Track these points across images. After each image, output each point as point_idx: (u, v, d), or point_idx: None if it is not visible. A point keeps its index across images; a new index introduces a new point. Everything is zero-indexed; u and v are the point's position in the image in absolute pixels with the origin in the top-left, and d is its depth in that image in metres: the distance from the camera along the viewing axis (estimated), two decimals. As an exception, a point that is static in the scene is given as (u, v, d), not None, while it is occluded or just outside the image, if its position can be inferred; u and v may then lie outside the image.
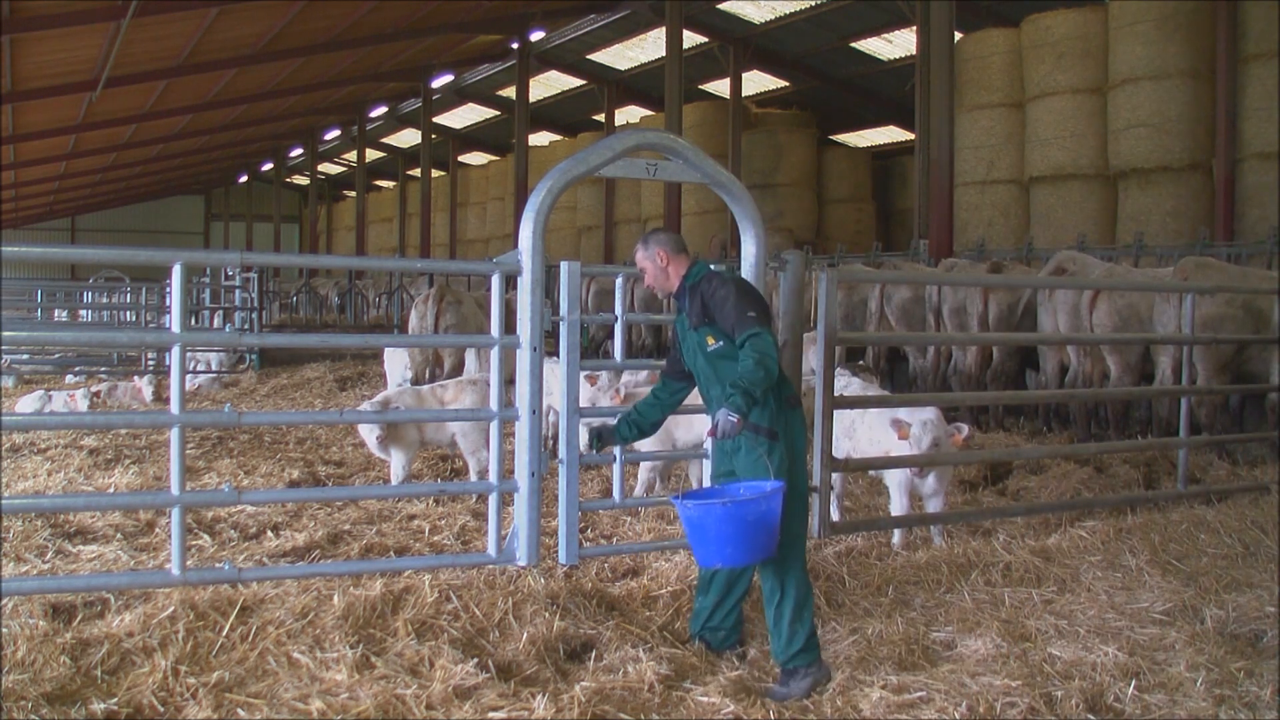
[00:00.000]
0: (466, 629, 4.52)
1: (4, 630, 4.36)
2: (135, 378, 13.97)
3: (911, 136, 22.85)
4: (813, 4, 24.41)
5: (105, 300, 20.60)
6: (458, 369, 11.44)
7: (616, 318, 5.62)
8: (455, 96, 35.94)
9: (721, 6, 25.23)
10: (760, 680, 4.31)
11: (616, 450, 5.33)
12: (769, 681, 4.31)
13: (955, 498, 7.73)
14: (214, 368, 15.89)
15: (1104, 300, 10.01)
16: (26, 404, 12.33)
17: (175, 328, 4.65)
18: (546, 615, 4.65)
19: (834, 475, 6.33)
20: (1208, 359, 9.06)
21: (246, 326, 16.79)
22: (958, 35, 18.75)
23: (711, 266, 4.64)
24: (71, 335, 13.55)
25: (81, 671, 4.08)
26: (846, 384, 7.16)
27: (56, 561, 5.84)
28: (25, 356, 15.95)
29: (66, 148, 29.84)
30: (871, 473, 7.46)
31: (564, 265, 5.07)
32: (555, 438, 8.71)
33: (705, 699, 4.05)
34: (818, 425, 5.90)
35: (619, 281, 5.96)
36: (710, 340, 4.41)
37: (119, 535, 6.37)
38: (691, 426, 6.94)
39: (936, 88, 16.69)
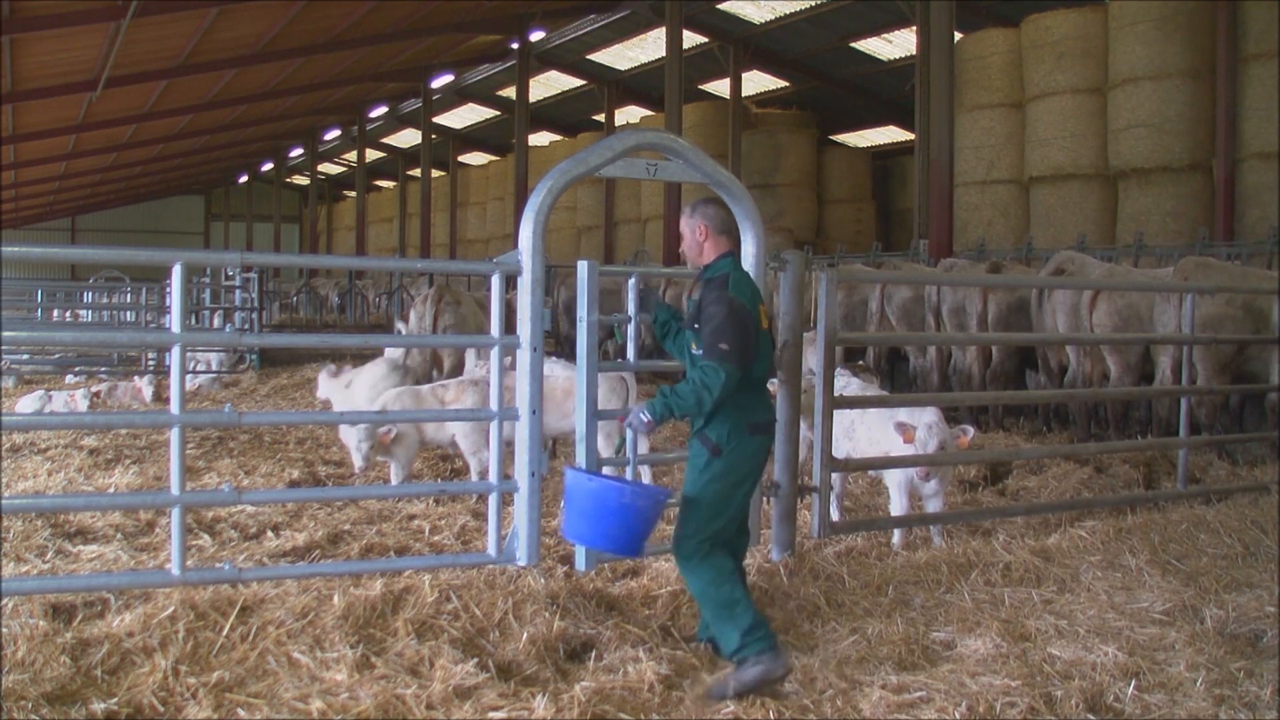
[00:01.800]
0: (466, 629, 4.52)
1: (4, 630, 4.36)
2: (135, 378, 13.96)
3: (911, 136, 22.87)
4: (813, 4, 24.43)
5: (105, 300, 20.60)
6: (457, 369, 11.43)
7: (630, 318, 5.61)
8: (455, 96, 35.96)
9: (721, 6, 25.24)
10: (760, 680, 4.30)
11: (630, 453, 5.34)
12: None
13: (955, 498, 7.73)
14: (214, 368, 15.88)
15: (1104, 300, 10.01)
16: (26, 404, 12.32)
17: (175, 328, 4.66)
18: (546, 615, 4.65)
19: (834, 475, 6.34)
20: (1208, 359, 9.06)
21: (246, 326, 16.78)
22: (958, 35, 18.77)
23: (733, 268, 4.51)
24: (71, 335, 13.54)
25: (81, 671, 4.08)
26: (846, 384, 7.15)
27: (56, 561, 5.84)
28: (25, 356, 15.94)
29: (66, 148, 29.86)
30: (871, 473, 7.46)
31: (582, 265, 5.03)
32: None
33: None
34: (818, 425, 5.90)
35: (631, 282, 5.89)
36: (694, 346, 4.47)
37: (119, 535, 6.36)
38: None
39: (936, 88, 16.70)
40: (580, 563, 5.07)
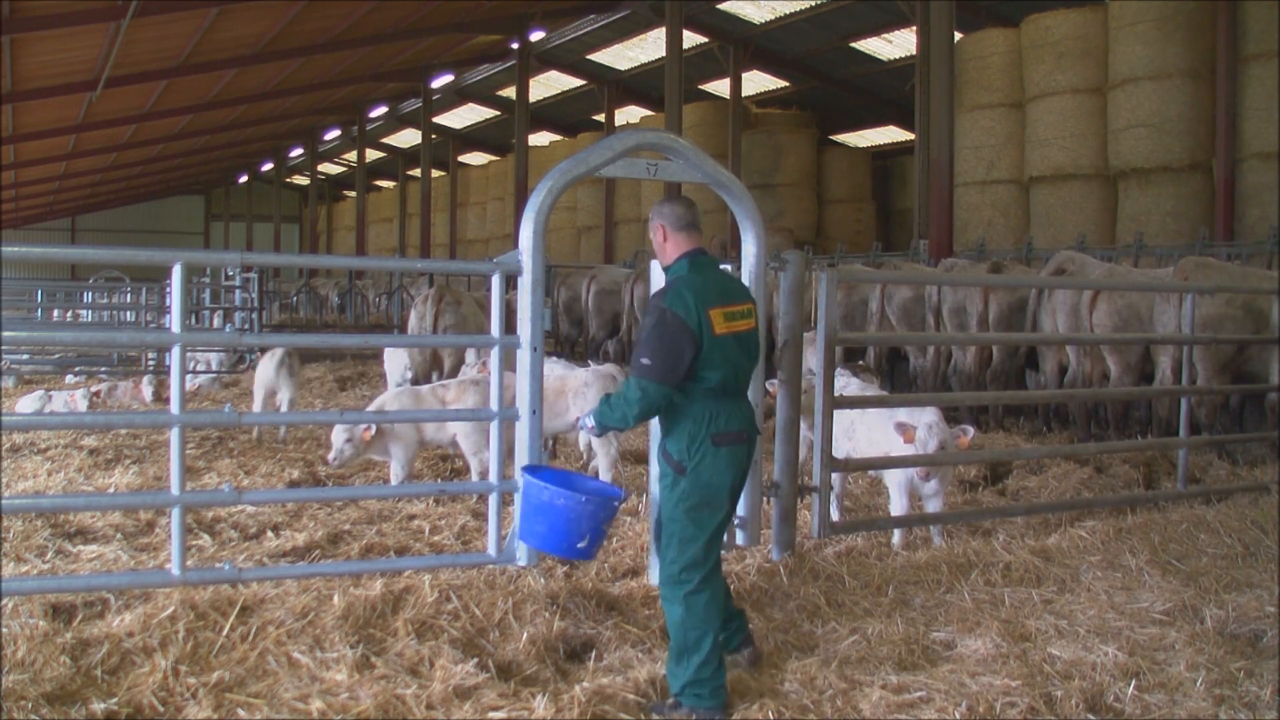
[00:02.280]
0: (466, 629, 4.52)
1: (4, 630, 4.36)
2: (134, 378, 13.96)
3: (911, 136, 22.87)
4: (813, 4, 24.43)
5: (105, 300, 20.59)
6: (457, 370, 11.43)
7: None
8: (455, 96, 35.97)
9: (721, 6, 25.24)
10: (759, 680, 4.30)
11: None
12: (768, 682, 4.29)
13: (955, 498, 7.73)
14: (214, 368, 15.87)
15: (1104, 300, 10.01)
16: (26, 404, 12.31)
17: (175, 328, 4.66)
18: (546, 615, 4.65)
19: (834, 475, 6.34)
20: (1208, 359, 9.06)
21: (246, 326, 16.77)
22: (958, 35, 18.77)
23: (687, 270, 4.24)
24: (71, 335, 13.53)
25: (81, 671, 4.08)
26: (846, 384, 7.16)
27: (56, 561, 5.84)
28: (25, 356, 15.93)
29: (66, 148, 29.86)
30: (871, 473, 7.46)
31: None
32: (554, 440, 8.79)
33: (705, 699, 4.04)
34: (818, 425, 5.90)
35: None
36: None
37: (119, 535, 6.36)
38: None
39: (936, 88, 16.69)
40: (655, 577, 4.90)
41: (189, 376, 13.52)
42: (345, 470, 8.49)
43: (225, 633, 4.37)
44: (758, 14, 25.82)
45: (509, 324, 5.10)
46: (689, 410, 4.13)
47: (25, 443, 9.62)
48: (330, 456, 7.48)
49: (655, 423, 4.67)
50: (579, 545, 4.36)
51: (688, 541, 4.10)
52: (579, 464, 8.52)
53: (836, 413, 6.15)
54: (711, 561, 4.13)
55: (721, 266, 5.16)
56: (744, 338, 4.22)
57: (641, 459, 8.43)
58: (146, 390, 13.32)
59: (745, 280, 5.41)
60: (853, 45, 26.55)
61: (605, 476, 7.53)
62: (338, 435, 7.45)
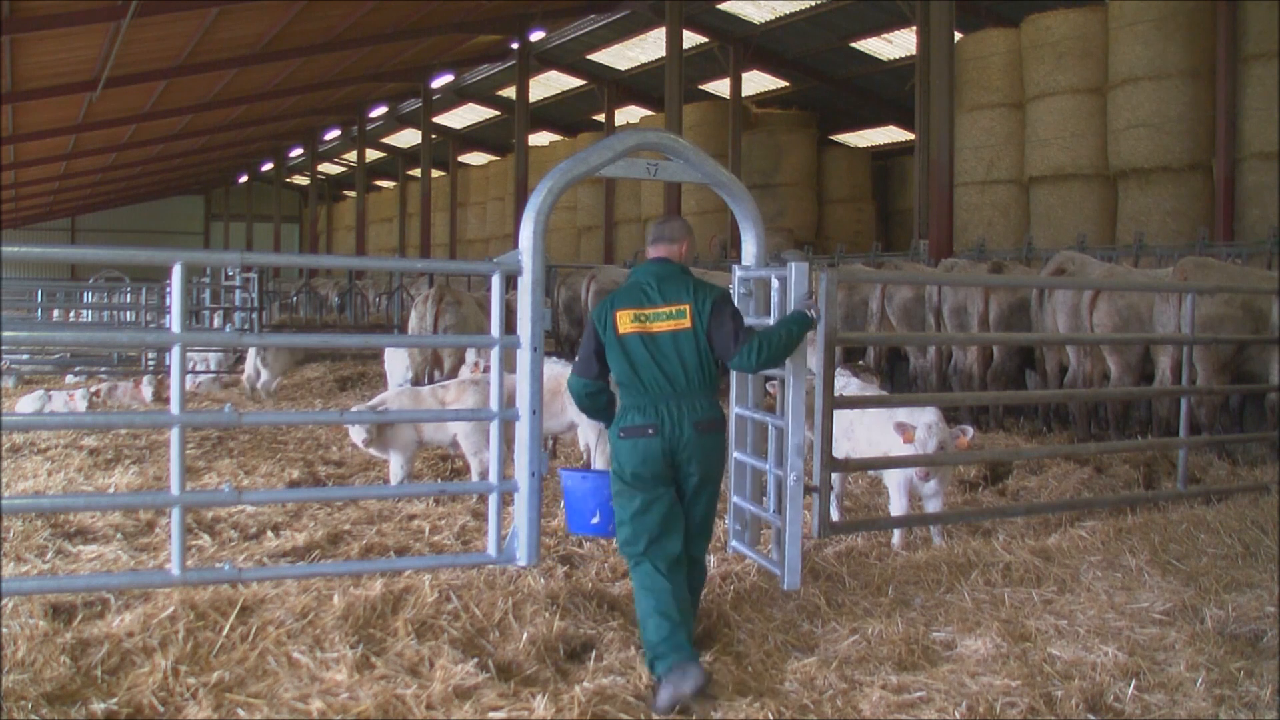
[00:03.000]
0: (466, 629, 4.52)
1: (4, 630, 4.36)
2: (134, 378, 13.97)
3: (911, 136, 22.86)
4: (813, 4, 24.42)
5: (105, 300, 20.59)
6: (457, 370, 11.43)
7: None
8: (455, 96, 35.94)
9: (721, 6, 25.23)
10: (759, 680, 4.31)
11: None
12: (768, 682, 4.30)
13: (955, 498, 7.73)
14: (214, 368, 15.87)
15: (1104, 300, 10.01)
16: (26, 404, 12.32)
17: (175, 328, 4.67)
18: (546, 615, 4.65)
19: (834, 475, 6.33)
20: (1208, 359, 9.05)
21: (246, 326, 16.77)
22: (958, 35, 18.76)
23: (628, 277, 4.69)
24: (71, 335, 13.53)
25: (81, 671, 4.08)
26: (845, 384, 7.16)
27: (56, 561, 5.84)
28: (25, 356, 15.94)
29: (66, 148, 29.85)
30: (871, 473, 7.46)
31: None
32: (555, 440, 8.79)
33: (705, 699, 4.04)
34: (818, 425, 5.90)
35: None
36: None
37: (119, 535, 6.37)
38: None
39: (936, 88, 16.69)
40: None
41: (189, 376, 13.53)
42: (345, 470, 8.52)
43: (225, 633, 4.37)
44: (758, 14, 25.81)
45: (509, 324, 5.10)
46: (618, 405, 4.52)
47: (25, 443, 9.61)
48: (359, 439, 7.72)
49: None
50: (593, 522, 4.84)
51: (619, 524, 4.45)
52: (580, 463, 8.53)
53: (836, 413, 6.15)
54: (641, 544, 4.33)
55: (742, 270, 5.28)
56: (660, 338, 4.42)
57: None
58: (146, 390, 13.33)
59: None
60: (853, 45, 26.54)
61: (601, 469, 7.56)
62: (355, 429, 7.73)
